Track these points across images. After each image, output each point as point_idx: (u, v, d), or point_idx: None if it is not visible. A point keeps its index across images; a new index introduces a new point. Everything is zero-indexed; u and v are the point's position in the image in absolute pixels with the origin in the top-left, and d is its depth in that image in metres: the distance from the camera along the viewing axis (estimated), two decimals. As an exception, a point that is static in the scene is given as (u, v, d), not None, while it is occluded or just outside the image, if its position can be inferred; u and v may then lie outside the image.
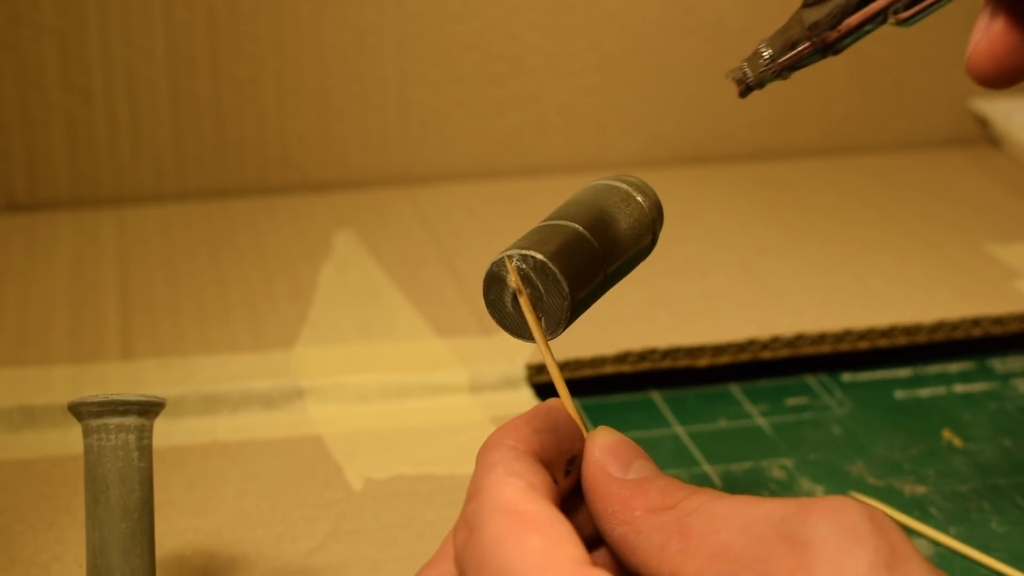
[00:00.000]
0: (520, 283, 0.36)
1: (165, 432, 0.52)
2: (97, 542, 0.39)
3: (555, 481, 0.35)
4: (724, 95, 0.79)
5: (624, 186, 0.40)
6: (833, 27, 0.38)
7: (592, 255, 0.37)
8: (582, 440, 0.37)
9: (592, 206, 0.39)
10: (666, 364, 0.58)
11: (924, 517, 0.50)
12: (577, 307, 0.37)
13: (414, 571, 0.36)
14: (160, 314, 0.61)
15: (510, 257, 0.36)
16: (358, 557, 0.47)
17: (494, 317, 0.37)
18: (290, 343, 0.59)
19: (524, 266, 0.36)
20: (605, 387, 0.58)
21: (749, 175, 0.78)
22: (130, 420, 0.40)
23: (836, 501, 0.32)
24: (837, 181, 0.78)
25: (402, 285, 0.64)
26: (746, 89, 0.40)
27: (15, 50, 0.69)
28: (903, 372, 0.61)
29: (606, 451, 0.36)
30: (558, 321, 0.36)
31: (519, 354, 0.57)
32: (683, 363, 0.58)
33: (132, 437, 0.40)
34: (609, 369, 0.57)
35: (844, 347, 0.60)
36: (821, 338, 0.59)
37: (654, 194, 0.40)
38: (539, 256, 0.36)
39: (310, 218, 0.72)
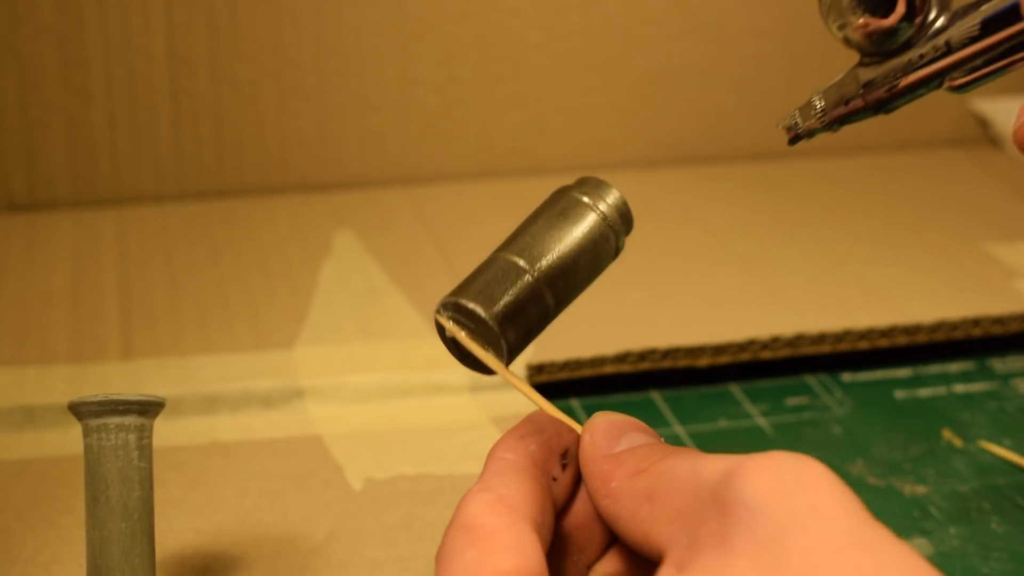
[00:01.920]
0: (456, 329, 0.38)
1: (165, 432, 0.52)
2: (97, 541, 0.39)
3: (553, 478, 0.36)
4: (724, 95, 0.79)
5: (574, 194, 0.40)
6: (888, 88, 0.39)
7: (522, 280, 0.38)
8: (571, 432, 0.37)
9: (528, 224, 0.40)
10: (666, 364, 0.58)
11: (924, 517, 0.50)
12: (516, 332, 0.38)
13: (414, 571, 0.37)
14: (160, 314, 0.61)
15: (438, 311, 0.38)
16: (358, 557, 0.47)
17: (462, 362, 0.39)
18: (290, 343, 0.59)
19: (452, 313, 0.38)
20: (605, 387, 0.58)
21: (749, 175, 0.78)
22: (130, 420, 0.40)
23: (766, 460, 0.32)
24: (837, 181, 0.78)
25: (402, 285, 0.64)
26: (795, 137, 0.41)
27: (15, 50, 0.69)
28: (903, 372, 0.61)
29: (598, 431, 0.37)
30: (501, 351, 0.38)
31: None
32: (683, 363, 0.58)
33: (132, 437, 0.40)
34: (609, 369, 0.57)
35: (844, 347, 0.60)
36: (821, 338, 0.59)
37: (616, 197, 0.40)
38: (454, 300, 0.38)
39: (310, 218, 0.72)
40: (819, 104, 0.40)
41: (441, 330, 0.38)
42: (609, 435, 0.37)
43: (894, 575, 0.29)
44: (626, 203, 0.40)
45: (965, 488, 0.52)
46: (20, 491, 0.50)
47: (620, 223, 0.40)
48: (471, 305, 0.37)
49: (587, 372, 0.57)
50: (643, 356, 0.58)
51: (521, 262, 0.38)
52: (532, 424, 0.37)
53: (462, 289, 0.38)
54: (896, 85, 0.39)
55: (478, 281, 0.38)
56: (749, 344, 0.59)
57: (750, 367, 0.60)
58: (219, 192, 0.74)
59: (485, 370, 0.38)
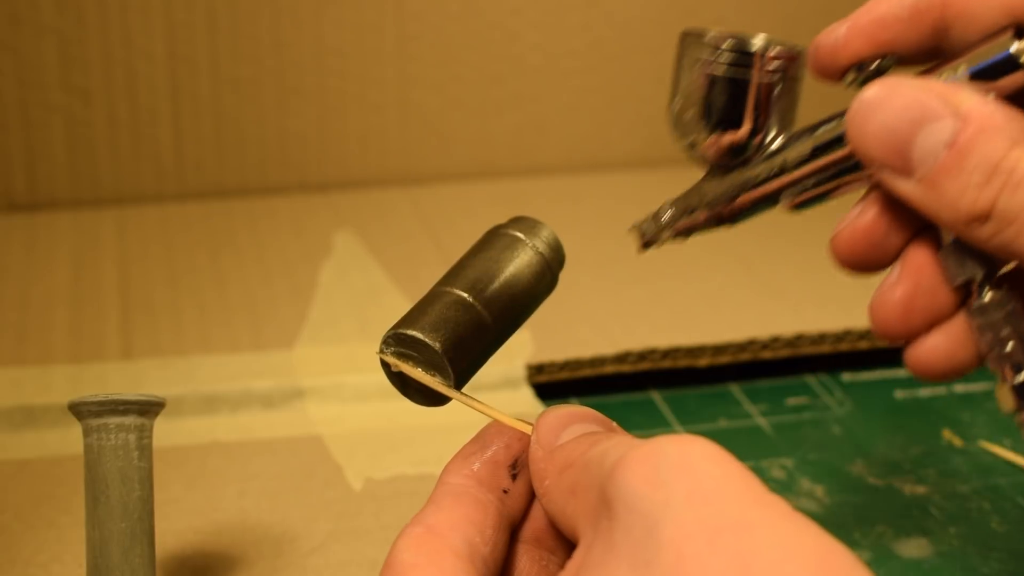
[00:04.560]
0: (398, 361, 0.38)
1: (165, 432, 0.52)
2: (97, 541, 0.39)
3: (504, 491, 0.36)
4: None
5: (510, 231, 0.41)
6: (728, 204, 0.41)
7: (461, 304, 0.38)
8: (525, 440, 0.37)
9: (465, 261, 0.40)
10: (666, 364, 0.58)
11: (924, 517, 0.50)
12: (459, 353, 0.38)
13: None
14: (160, 314, 0.61)
15: (380, 349, 0.38)
16: (358, 557, 0.47)
17: (412, 397, 0.39)
18: (290, 343, 0.59)
19: (392, 348, 0.38)
20: (605, 387, 0.58)
21: (749, 175, 0.78)
22: (130, 420, 0.40)
23: (647, 449, 0.30)
24: (837, 181, 0.78)
25: (402, 285, 0.64)
26: (646, 244, 0.43)
27: (15, 50, 0.69)
28: (903, 372, 0.61)
29: (542, 430, 0.36)
30: (448, 374, 0.37)
31: (519, 354, 0.57)
32: (683, 363, 0.58)
33: (132, 437, 0.40)
34: (609, 369, 0.57)
35: (844, 347, 0.60)
36: (821, 338, 0.59)
37: (548, 234, 0.41)
38: (394, 332, 0.38)
39: (310, 218, 0.72)
40: (666, 216, 0.42)
41: (387, 367, 0.38)
42: (553, 431, 0.35)
43: (774, 553, 0.27)
44: (558, 239, 0.41)
45: (965, 488, 0.52)
46: (20, 491, 0.50)
47: (555, 258, 0.41)
48: (411, 331, 0.37)
49: (587, 372, 0.57)
50: (643, 356, 0.58)
51: (461, 292, 0.38)
52: (479, 441, 0.37)
53: (401, 322, 0.38)
54: (736, 200, 0.41)
55: (417, 312, 0.38)
56: (749, 344, 0.59)
57: (750, 367, 0.60)
58: (219, 192, 0.74)
59: (435, 400, 0.38)
